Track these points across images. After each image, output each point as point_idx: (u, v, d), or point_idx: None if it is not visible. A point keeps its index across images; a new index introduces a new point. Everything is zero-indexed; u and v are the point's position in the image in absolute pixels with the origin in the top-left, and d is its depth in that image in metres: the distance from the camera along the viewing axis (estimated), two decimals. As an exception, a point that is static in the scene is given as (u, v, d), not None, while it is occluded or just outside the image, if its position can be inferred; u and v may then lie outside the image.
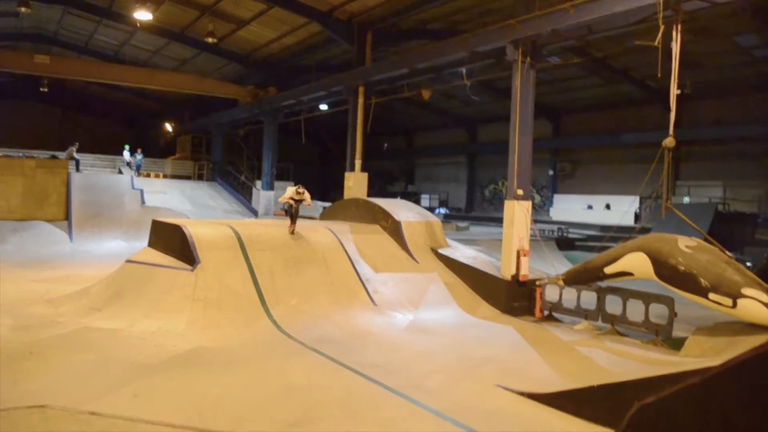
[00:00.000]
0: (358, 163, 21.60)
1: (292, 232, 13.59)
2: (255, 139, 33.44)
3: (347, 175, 21.68)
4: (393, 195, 33.01)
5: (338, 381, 8.22)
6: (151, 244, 13.38)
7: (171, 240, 12.50)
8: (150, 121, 42.55)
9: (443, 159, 41.38)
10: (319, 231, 14.00)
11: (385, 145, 43.15)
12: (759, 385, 3.93)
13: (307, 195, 13.93)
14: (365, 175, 21.67)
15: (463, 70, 17.19)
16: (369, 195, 20.09)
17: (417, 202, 26.55)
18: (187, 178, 33.89)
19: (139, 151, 31.84)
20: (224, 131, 35.37)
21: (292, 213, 13.76)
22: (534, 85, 13.60)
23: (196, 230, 12.36)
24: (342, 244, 13.54)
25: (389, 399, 7.57)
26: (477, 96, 28.29)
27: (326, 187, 40.43)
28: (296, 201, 13.72)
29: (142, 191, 25.05)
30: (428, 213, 16.49)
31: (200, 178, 34.31)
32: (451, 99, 32.97)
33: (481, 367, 8.92)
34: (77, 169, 27.33)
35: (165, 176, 33.35)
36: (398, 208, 15.71)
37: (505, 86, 16.83)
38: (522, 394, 7.59)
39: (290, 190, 13.91)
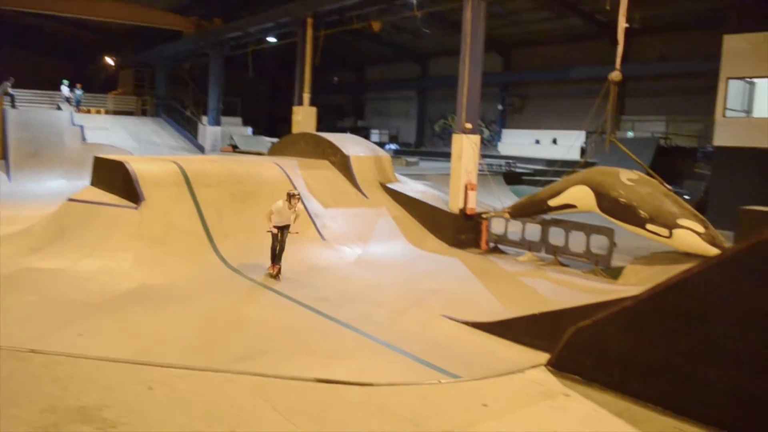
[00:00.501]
0: (306, 97, 21.20)
1: (276, 275, 9.93)
2: (201, 73, 32.42)
3: (295, 109, 21.31)
4: (342, 130, 32.65)
5: (287, 315, 8.31)
6: (93, 182, 12.99)
7: (114, 177, 12.16)
8: (90, 55, 40.61)
9: (394, 94, 40.99)
10: (267, 166, 13.80)
11: (335, 79, 42.41)
12: (682, 307, 4.16)
13: (300, 207, 10.39)
14: (314, 109, 21.33)
15: (414, 1, 16.85)
16: (318, 130, 19.83)
17: (367, 137, 26.34)
18: (130, 114, 32.77)
19: (78, 86, 30.51)
20: (168, 65, 34.13)
21: (275, 245, 10.03)
22: (485, 18, 13.43)
23: (139, 167, 12.04)
24: (290, 180, 13.40)
25: (338, 331, 7.69)
26: (428, 29, 27.80)
27: (275, 122, 39.72)
28: (282, 229, 10.01)
29: (82, 128, 24.17)
30: (377, 148, 16.42)
31: (144, 113, 33.24)
32: (403, 32, 32.40)
33: (428, 298, 9.11)
34: (12, 106, 26.07)
35: (106, 112, 32.13)
36: (347, 143, 15.58)
37: (456, 19, 16.56)
38: (466, 323, 7.81)
39: (277, 206, 9.96)
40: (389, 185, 14.44)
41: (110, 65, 38.62)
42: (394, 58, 39.05)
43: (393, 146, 35.19)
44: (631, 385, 4.31)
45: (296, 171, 14.03)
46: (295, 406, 4.05)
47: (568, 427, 3.90)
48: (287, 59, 27.80)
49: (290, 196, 10.08)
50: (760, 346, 3.73)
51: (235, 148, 28.17)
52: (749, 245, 3.76)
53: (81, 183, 16.05)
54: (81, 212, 11.41)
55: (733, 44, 18.18)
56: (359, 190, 14.21)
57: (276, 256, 10.11)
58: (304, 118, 21.00)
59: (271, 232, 9.96)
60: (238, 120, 33.14)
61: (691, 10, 23.45)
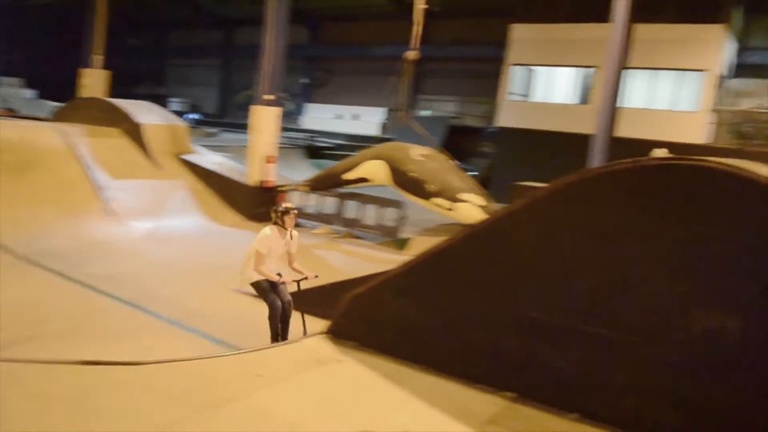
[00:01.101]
0: (98, 59, 19.60)
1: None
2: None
3: (84, 72, 19.64)
4: (139, 97, 30.61)
5: (65, 295, 7.69)
6: None
7: None
8: None
9: (197, 61, 39.30)
10: (46, 133, 12.56)
11: (132, 41, 39.61)
12: (444, 272, 4.51)
13: (297, 235, 6.68)
14: (106, 73, 19.80)
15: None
16: (112, 96, 18.41)
17: (165, 105, 24.94)
18: None
19: None
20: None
21: (276, 308, 6.32)
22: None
23: None
24: (73, 148, 12.34)
25: (121, 311, 7.30)
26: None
27: (62, 86, 36.25)
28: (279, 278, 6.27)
29: None
30: (173, 117, 15.65)
31: None
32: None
33: (221, 273, 8.92)
34: None
35: None
36: (141, 111, 14.65)
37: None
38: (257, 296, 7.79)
39: (265, 237, 6.31)
40: (185, 157, 13.86)
41: None
42: (199, 24, 37.41)
43: (194, 116, 33.77)
44: (402, 348, 4.59)
45: (81, 139, 12.93)
46: (53, 392, 3.77)
47: (337, 391, 4.06)
48: (79, 16, 25.44)
49: (281, 214, 6.32)
50: (512, 307, 4.14)
51: (12, 112, 25.25)
52: (498, 216, 4.16)
53: None
54: None
55: (518, 33, 19.89)
56: (153, 160, 13.48)
57: (280, 329, 6.37)
58: (94, 82, 19.42)
59: (275, 281, 6.22)
60: (19, 81, 29.74)
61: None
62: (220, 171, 13.36)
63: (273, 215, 6.43)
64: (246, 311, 7.51)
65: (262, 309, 7.56)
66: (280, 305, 6.39)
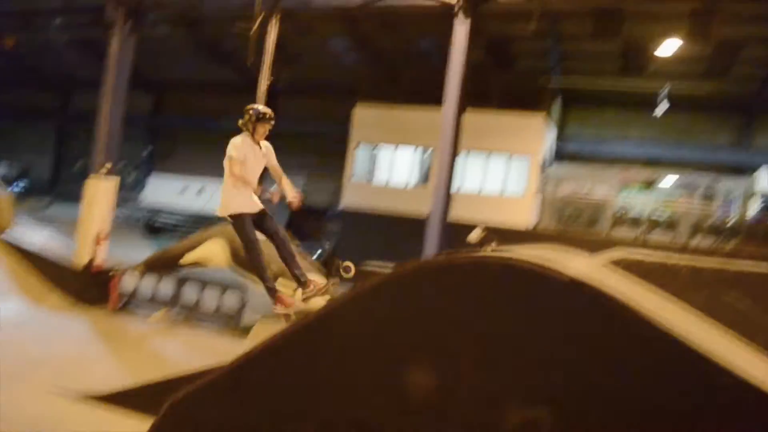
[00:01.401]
0: None
1: (313, 294, 6.19)
2: None
3: None
4: (-42, 161, 28.02)
5: None
6: None
7: None
8: None
9: (28, 124, 36.56)
10: None
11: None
12: (265, 371, 4.39)
13: (270, 150, 6.41)
14: None
15: (57, 22, 15.55)
16: None
17: (-10, 171, 22.95)
18: None
19: None
20: None
21: (256, 248, 6.04)
22: (134, 53, 12.97)
23: None
24: None
25: None
26: (73, 56, 25.81)
27: None
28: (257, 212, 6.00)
29: None
30: (-4, 188, 14.46)
31: None
32: (43, 55, 29.37)
33: (40, 366, 8.18)
34: None
35: None
36: (-45, 180, 13.43)
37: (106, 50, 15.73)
38: (80, 395, 7.22)
39: (235, 148, 6.12)
40: (5, 235, 12.72)
41: None
42: (32, 83, 35.04)
43: (23, 184, 31.19)
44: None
45: None
46: None
47: None
48: None
49: (255, 118, 5.63)
50: (338, 405, 4.12)
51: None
52: (324, 310, 4.17)
53: None
54: None
55: (362, 113, 20.74)
56: (-35, 236, 12.28)
57: (289, 269, 5.61)
58: None
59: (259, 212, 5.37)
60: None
61: (334, 77, 25.84)
62: (46, 249, 12.40)
63: (242, 120, 5.81)
64: (65, 412, 6.87)
65: (84, 409, 6.99)
66: (258, 241, 5.76)
